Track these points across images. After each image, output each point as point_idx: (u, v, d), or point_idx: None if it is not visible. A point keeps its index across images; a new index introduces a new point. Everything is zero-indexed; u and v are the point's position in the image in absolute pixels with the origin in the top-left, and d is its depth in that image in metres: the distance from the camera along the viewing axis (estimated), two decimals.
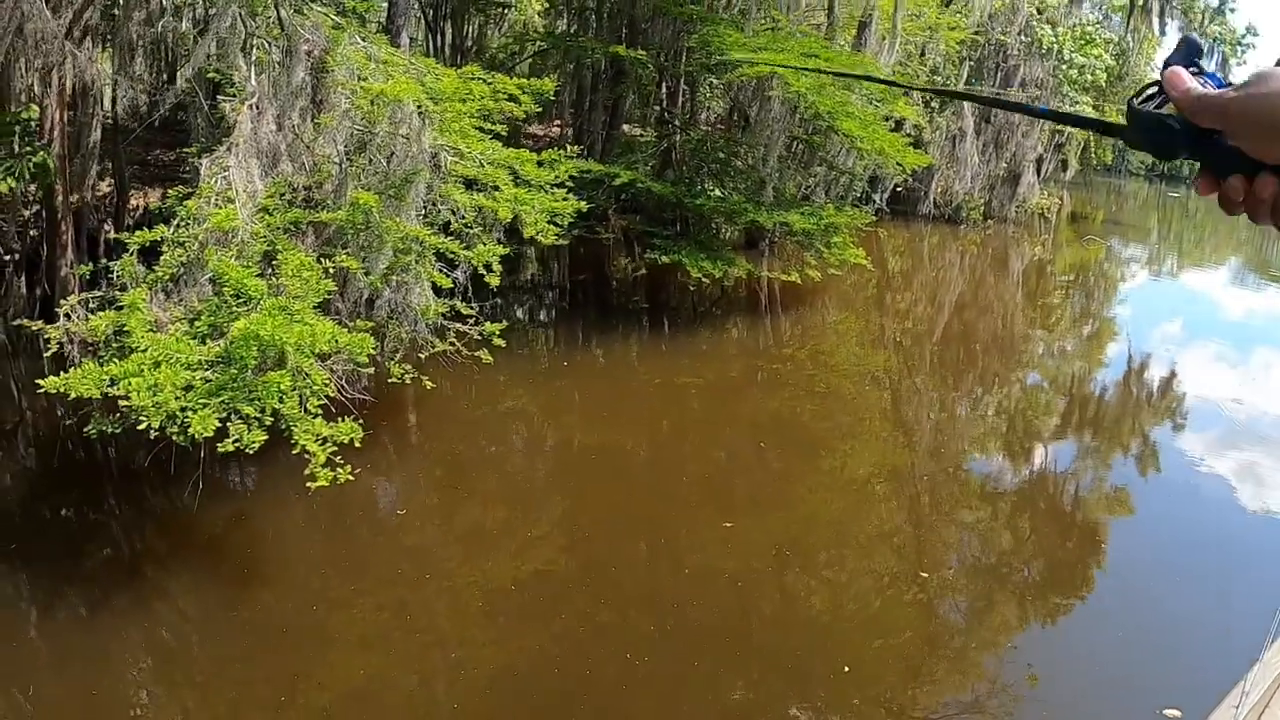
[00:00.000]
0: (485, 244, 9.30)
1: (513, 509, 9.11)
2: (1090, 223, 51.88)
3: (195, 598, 7.35)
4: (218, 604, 7.19)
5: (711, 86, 17.25)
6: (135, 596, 7.08)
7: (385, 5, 15.59)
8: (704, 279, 13.75)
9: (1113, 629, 8.31)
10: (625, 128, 19.75)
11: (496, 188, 9.53)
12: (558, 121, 23.92)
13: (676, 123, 17.20)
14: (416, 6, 24.85)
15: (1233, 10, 37.25)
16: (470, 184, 9.86)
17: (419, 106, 8.99)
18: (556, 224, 9.83)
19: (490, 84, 10.07)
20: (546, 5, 23.31)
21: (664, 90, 17.73)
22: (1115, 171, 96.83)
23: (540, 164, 10.03)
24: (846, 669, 7.20)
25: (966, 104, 30.46)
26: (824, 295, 18.41)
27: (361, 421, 7.49)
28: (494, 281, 9.26)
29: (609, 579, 8.00)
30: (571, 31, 20.46)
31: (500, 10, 26.61)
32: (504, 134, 10.55)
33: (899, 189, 30.12)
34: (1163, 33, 41.39)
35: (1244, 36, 38.00)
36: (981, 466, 12.30)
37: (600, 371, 13.30)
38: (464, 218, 9.34)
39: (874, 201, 21.13)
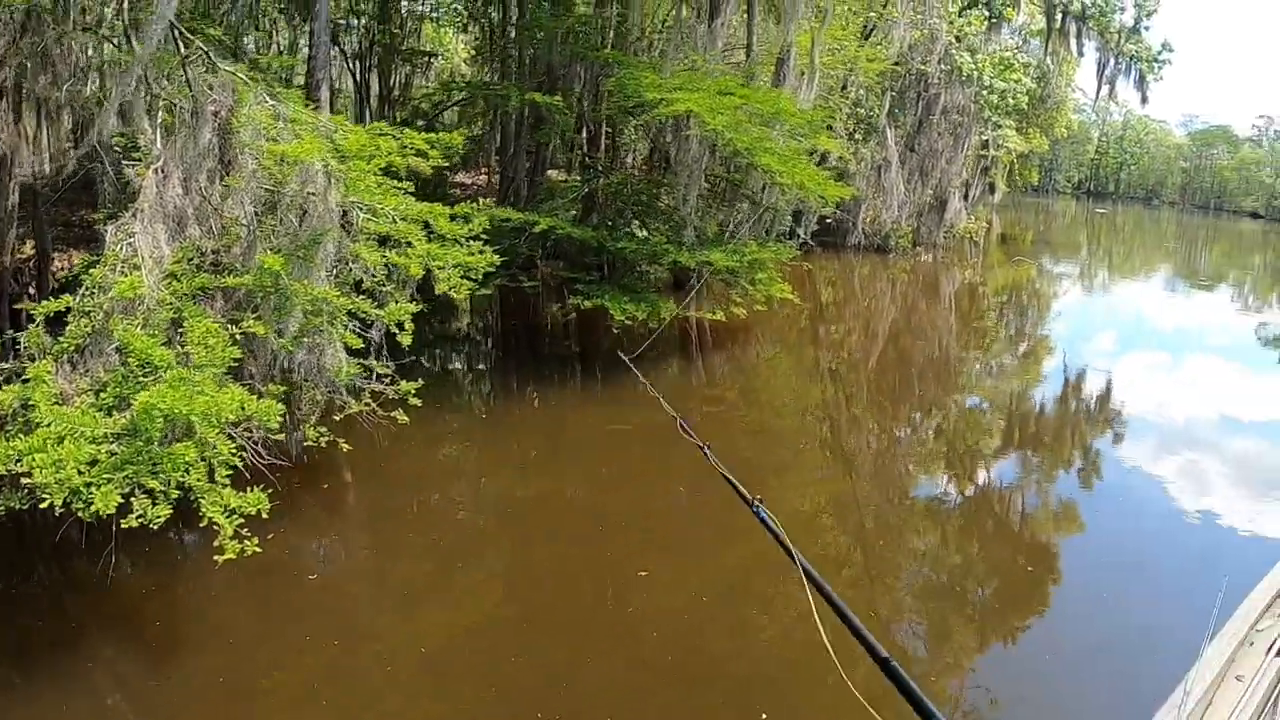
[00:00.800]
0: (398, 301, 9.13)
1: (448, 563, 8.85)
2: (1020, 243, 52.66)
3: (118, 668, 7.07)
4: (141, 673, 6.96)
5: (634, 129, 17.22)
6: (54, 670, 6.79)
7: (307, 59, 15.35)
8: (628, 321, 13.64)
9: (1067, 641, 8.47)
10: (552, 173, 19.70)
11: (409, 244, 9.36)
12: (485, 169, 23.91)
13: (599, 166, 17.17)
14: (341, 59, 24.81)
15: (1147, 29, 37.94)
16: (385, 240, 9.69)
17: (325, 165, 8.83)
18: (471, 278, 9.68)
19: (399, 139, 9.92)
20: (473, 53, 23.32)
21: (585, 135, 17.71)
22: (1043, 191, 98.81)
23: (454, 218, 9.88)
24: (802, 706, 7.14)
25: (889, 133, 30.79)
26: (756, 331, 18.40)
27: (282, 486, 7.31)
28: (405, 340, 9.07)
29: (553, 626, 7.81)
30: (494, 79, 20.45)
31: (426, 59, 26.62)
32: (419, 186, 10.44)
33: (829, 221, 30.32)
34: (1080, 54, 42.08)
35: (1160, 54, 38.74)
36: (927, 491, 12.38)
37: (534, 420, 13.11)
38: (375, 276, 9.15)
39: (798, 236, 21.20)
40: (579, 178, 16.86)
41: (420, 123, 22.47)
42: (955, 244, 36.73)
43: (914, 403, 17.06)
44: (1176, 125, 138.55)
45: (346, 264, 9.23)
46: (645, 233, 15.15)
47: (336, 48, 24.62)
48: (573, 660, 7.33)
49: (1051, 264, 45.88)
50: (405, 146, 9.79)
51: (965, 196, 38.34)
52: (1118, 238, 74.80)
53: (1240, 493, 13.03)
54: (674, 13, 18.02)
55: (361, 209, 9.53)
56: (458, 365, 16.08)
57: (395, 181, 9.97)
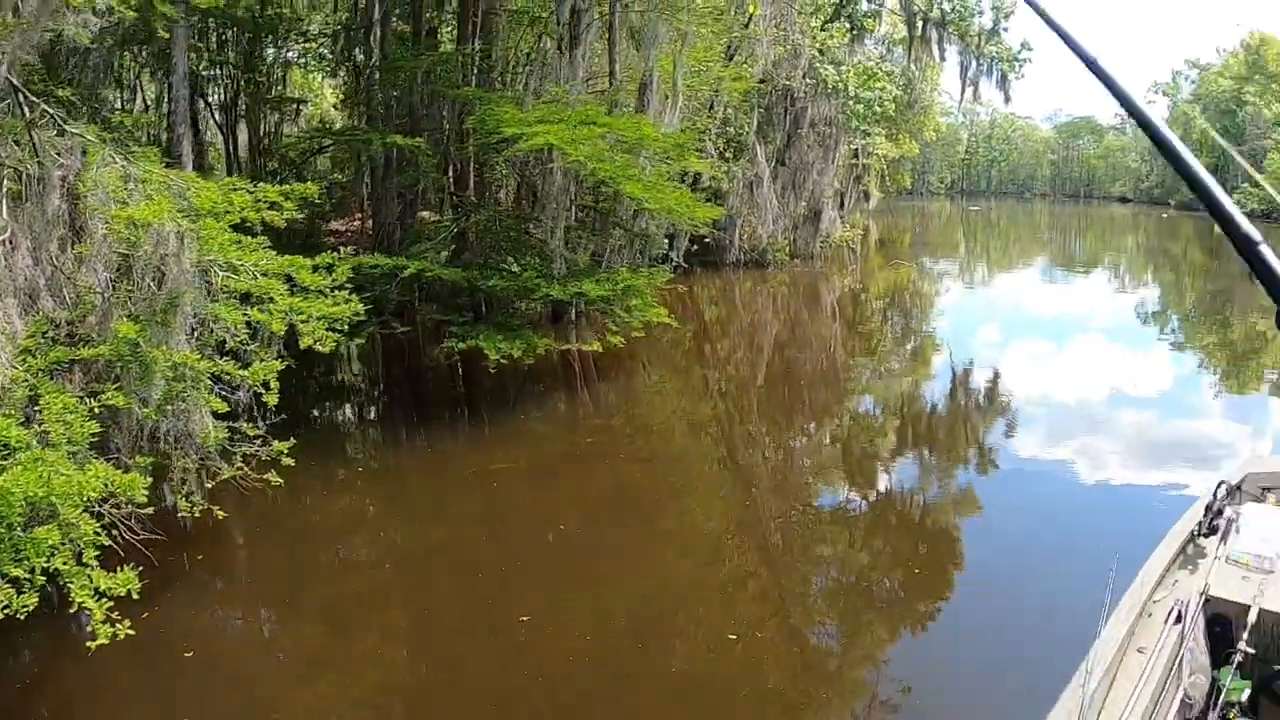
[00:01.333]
0: (263, 360, 8.91)
1: (342, 624, 8.62)
2: (898, 246, 53.80)
3: None
4: None
5: (503, 164, 17.15)
6: None
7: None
8: (503, 361, 13.53)
9: (972, 625, 8.69)
10: (426, 214, 19.50)
11: (270, 299, 9.16)
12: (359, 215, 23.56)
13: (468, 205, 17.05)
14: (206, 110, 24.24)
15: (1006, 30, 39.10)
16: (247, 298, 9.46)
17: (177, 226, 8.60)
18: (337, 329, 9.51)
19: (252, 193, 9.71)
20: (342, 98, 23.01)
21: (451, 174, 17.59)
22: (917, 194, 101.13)
23: (316, 269, 9.70)
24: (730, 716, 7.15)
25: (759, 149, 31.22)
26: (642, 357, 18.42)
27: (160, 560, 7.05)
28: (271, 400, 8.84)
29: (463, 676, 7.62)
30: (360, 123, 20.20)
31: (295, 107, 26.19)
32: (290, 237, 10.21)
33: (707, 240, 30.58)
34: (943, 59, 43.06)
35: (1019, 53, 39.95)
36: (829, 498, 12.54)
37: (424, 467, 12.87)
38: (237, 336, 8.92)
39: (671, 259, 21.35)
40: (450, 218, 16.69)
41: (289, 171, 22.14)
42: (833, 253, 37.35)
43: (807, 413, 17.24)
44: (1042, 120, 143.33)
45: (208, 325, 8.98)
46: (518, 268, 15.04)
47: (201, 99, 24.13)
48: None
49: (931, 264, 46.98)
50: (259, 200, 9.58)
51: (840, 205, 39.03)
52: (993, 232, 76.94)
53: (1128, 468, 13.49)
54: (537, 45, 18.04)
55: (220, 268, 9.29)
56: (345, 416, 15.82)
57: (252, 237, 9.73)
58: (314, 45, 24.02)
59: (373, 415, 16.15)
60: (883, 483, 13.24)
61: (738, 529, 11.41)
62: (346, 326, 9.76)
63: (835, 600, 9.49)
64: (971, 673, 7.82)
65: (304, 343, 9.18)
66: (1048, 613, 8.52)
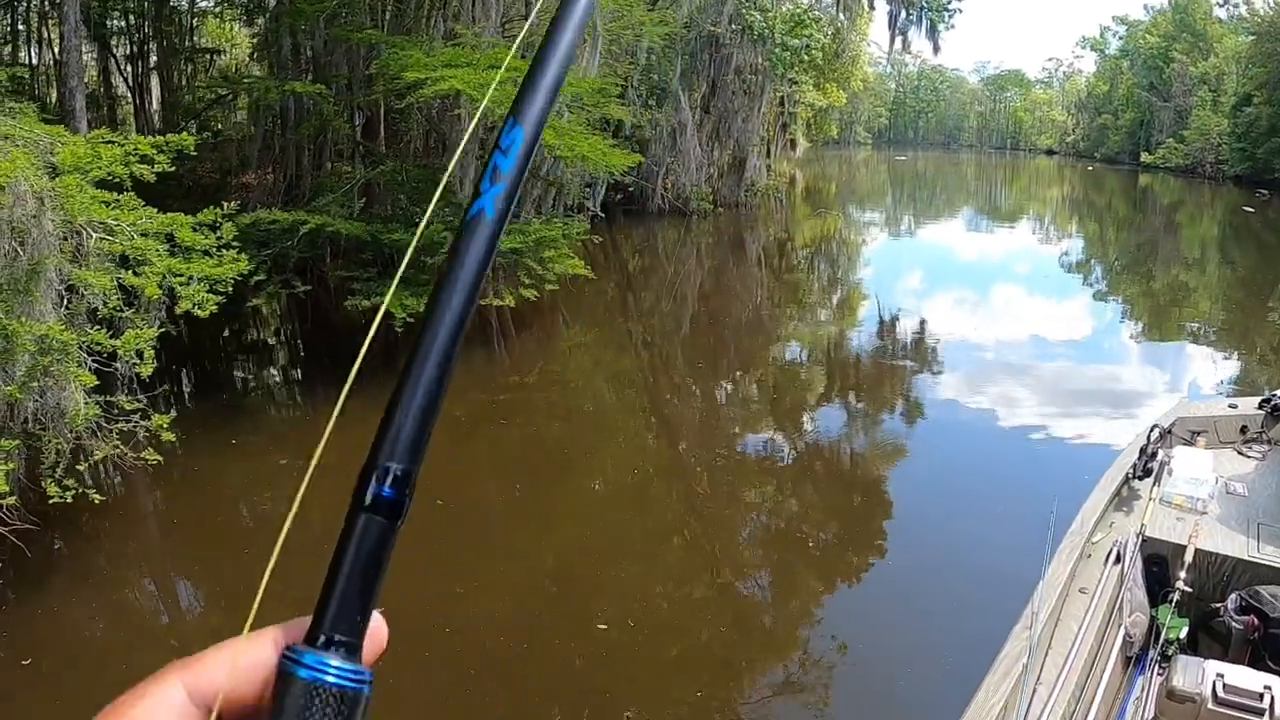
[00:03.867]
0: (139, 328, 8.17)
1: (236, 607, 8.02)
2: (824, 195, 53.71)
3: None
4: None
5: (415, 113, 16.31)
6: None
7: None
8: (410, 319, 12.85)
9: (908, 575, 8.60)
10: (344, 166, 18.58)
11: (146, 261, 8.41)
12: (271, 168, 22.56)
13: (376, 155, 16.23)
14: (115, 65, 23.02)
15: None
16: (126, 261, 8.69)
17: (31, 185, 7.81)
18: (218, 291, 8.79)
19: (123, 145, 8.91)
20: (254, 46, 21.95)
21: (356, 122, 16.74)
22: (844, 143, 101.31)
23: (198, 227, 8.95)
24: (659, 677, 7.00)
25: (683, 97, 30.61)
26: (564, 309, 17.90)
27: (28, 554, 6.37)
28: (145, 371, 8.12)
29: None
30: (269, 72, 19.18)
31: (209, 57, 24.94)
32: (198, 192, 9.43)
33: (630, 189, 30.03)
34: (872, 7, 42.98)
35: (949, 3, 39.98)
36: (756, 447, 12.21)
37: (345, 429, 12.21)
38: (110, 302, 8.15)
39: (588, 208, 20.72)
40: (356, 169, 15.87)
41: (195, 124, 21.10)
42: (759, 201, 36.96)
43: (733, 363, 16.99)
44: (970, 72, 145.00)
45: (78, 292, 8.20)
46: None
47: (106, 51, 22.95)
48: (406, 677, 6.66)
49: (858, 213, 46.93)
50: (129, 154, 8.78)
51: (767, 154, 38.59)
52: (920, 182, 77.34)
53: (1059, 414, 13.53)
54: None
55: (95, 228, 8.52)
56: (257, 379, 15.06)
57: (137, 196, 8.93)
58: None
59: (285, 376, 15.39)
60: (811, 431, 13.07)
61: (663, 483, 11.11)
62: (230, 288, 9.02)
63: (767, 549, 9.35)
64: (906, 620, 7.77)
65: (181, 307, 8.47)
66: (984, 556, 8.60)
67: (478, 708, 6.56)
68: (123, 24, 22.82)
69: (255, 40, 21.88)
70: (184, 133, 20.45)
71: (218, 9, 24.67)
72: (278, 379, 15.24)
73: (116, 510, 9.07)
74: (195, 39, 25.16)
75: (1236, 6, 77.02)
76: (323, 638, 0.61)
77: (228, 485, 10.27)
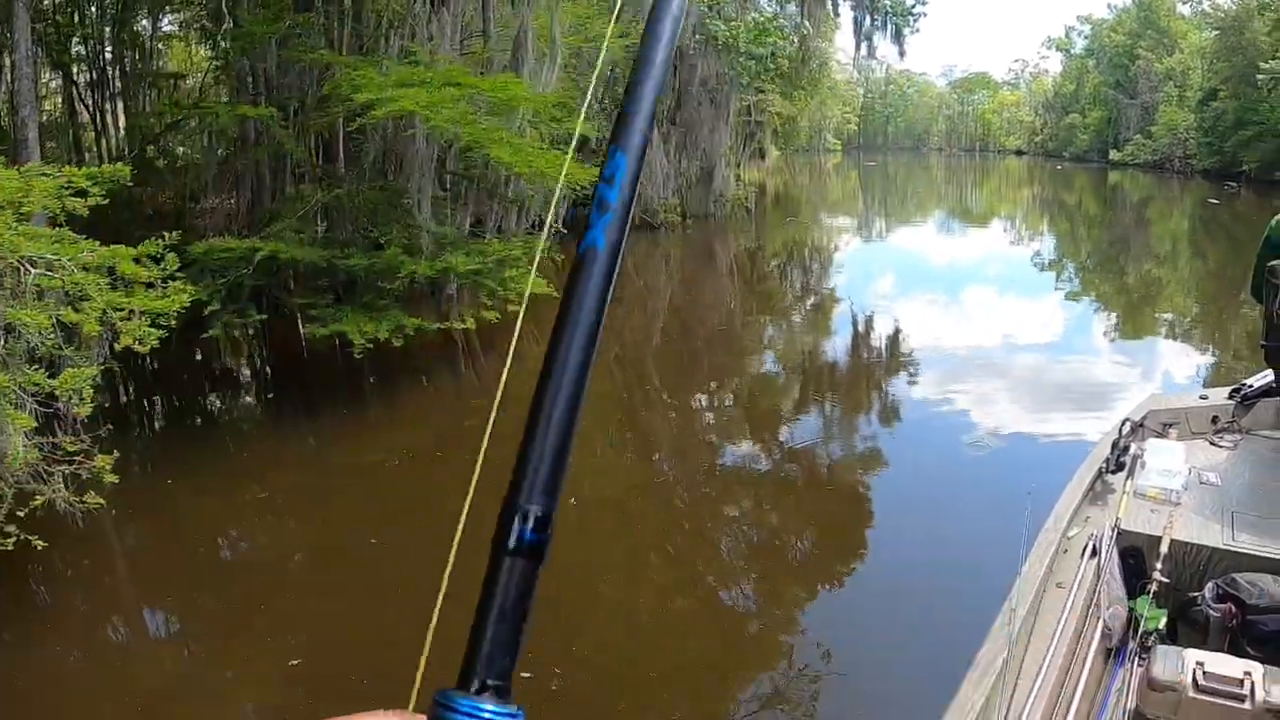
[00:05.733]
0: (78, 367, 7.86)
1: (194, 649, 7.74)
2: (795, 203, 53.74)
3: None
4: None
5: (374, 135, 16.03)
6: None
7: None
8: (369, 345, 12.58)
9: (890, 578, 8.63)
10: (306, 189, 18.28)
11: (85, 297, 8.11)
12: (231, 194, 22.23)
13: (334, 177, 15.93)
14: (75, 92, 22.65)
15: None
16: (65, 296, 8.37)
17: None
18: (161, 325, 8.49)
19: (55, 178, 8.63)
20: (216, 70, 21.63)
21: (311, 143, 16.45)
22: (814, 151, 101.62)
23: (139, 259, 8.65)
24: (642, 696, 6.86)
25: None
26: (534, 329, 17.57)
27: None
28: (84, 411, 7.83)
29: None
30: (230, 95, 18.87)
31: (173, 82, 24.57)
32: (158, 219, 9.09)
33: None
34: (836, 14, 43.08)
35: (913, 6, 40.14)
36: (734, 458, 12.12)
37: (306, 461, 11.95)
38: (48, 341, 7.84)
39: (551, 226, 20.48)
40: (313, 192, 15.57)
41: (151, 148, 20.80)
42: (729, 212, 36.84)
43: (707, 375, 16.82)
44: (937, 76, 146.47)
45: (15, 331, 7.88)
46: (384, 244, 14.04)
47: (68, 78, 22.59)
48: None
49: (829, 219, 46.96)
50: (63, 187, 8.49)
51: (736, 164, 38.52)
52: (891, 186, 77.70)
53: (1032, 412, 13.59)
54: (409, 6, 16.94)
55: (35, 265, 8.20)
56: (217, 410, 14.73)
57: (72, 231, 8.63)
58: (192, 14, 22.39)
59: (253, 406, 15.07)
60: (788, 440, 12.96)
61: (642, 495, 10.99)
62: (174, 321, 8.72)
63: (750, 560, 9.31)
64: (889, 622, 7.75)
65: (122, 342, 8.16)
66: (962, 554, 8.55)
67: None
68: (80, 49, 22.46)
69: (217, 64, 21.58)
70: (147, 158, 20.40)
71: (181, 33, 24.38)
72: (246, 409, 14.90)
73: (75, 550, 8.76)
74: (159, 63, 24.83)
75: (1200, 2, 77.82)
76: (476, 683, 0.64)
77: (201, 519, 9.94)
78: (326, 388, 14.67)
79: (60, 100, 23.68)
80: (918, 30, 40.72)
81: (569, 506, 10.56)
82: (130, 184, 9.27)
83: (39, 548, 7.44)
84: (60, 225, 8.46)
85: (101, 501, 7.92)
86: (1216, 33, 66.41)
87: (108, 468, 7.92)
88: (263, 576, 8.86)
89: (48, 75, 23.47)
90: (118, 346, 8.21)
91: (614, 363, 17.42)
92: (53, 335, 7.81)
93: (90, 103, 23.11)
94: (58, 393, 7.68)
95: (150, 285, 8.72)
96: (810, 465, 11.98)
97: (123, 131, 23.66)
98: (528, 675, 6.80)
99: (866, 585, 8.57)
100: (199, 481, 10.72)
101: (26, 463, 7.53)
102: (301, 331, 14.14)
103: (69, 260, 8.34)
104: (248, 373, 17.05)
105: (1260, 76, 54.08)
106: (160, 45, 24.53)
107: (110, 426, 8.40)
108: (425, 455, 11.97)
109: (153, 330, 8.30)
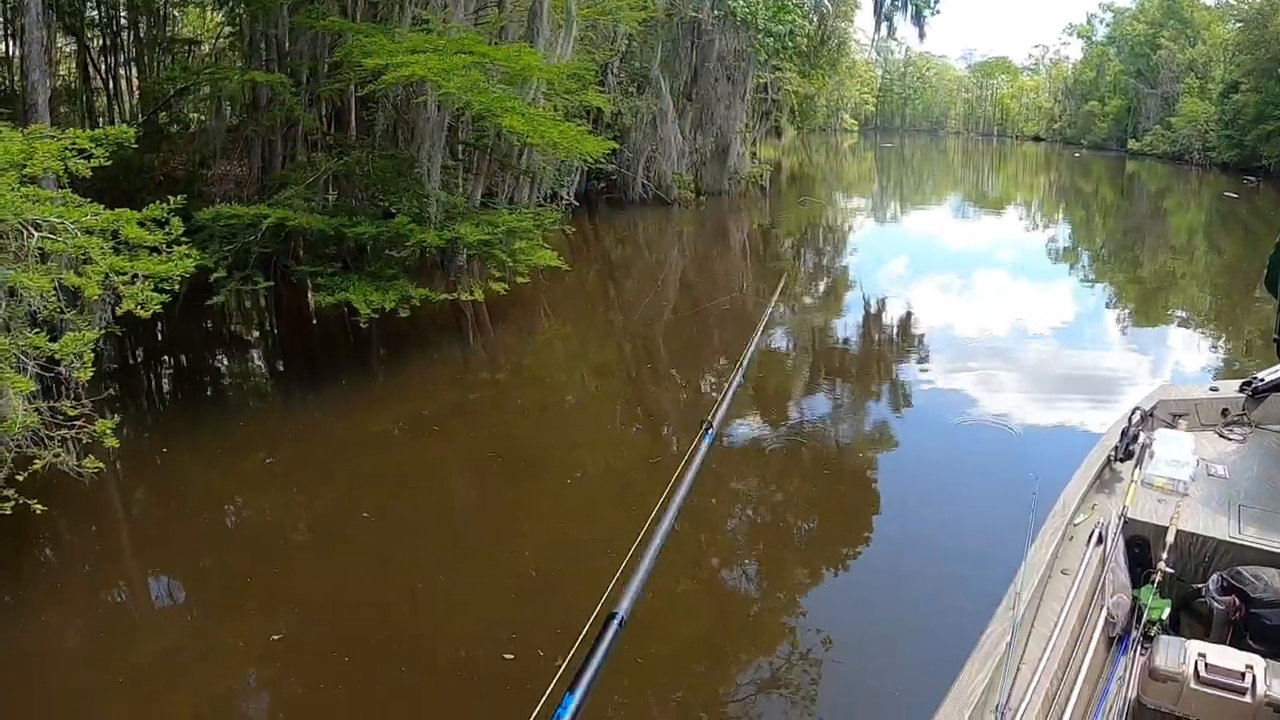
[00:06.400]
0: (80, 330, 7.79)
1: (201, 611, 7.68)
2: (810, 182, 53.44)
3: None
4: None
5: (386, 102, 15.91)
6: None
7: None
8: (374, 314, 12.48)
9: (895, 562, 8.59)
10: (316, 155, 18.20)
11: (88, 260, 8.03)
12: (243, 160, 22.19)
13: (346, 145, 15.82)
14: (89, 57, 22.57)
15: None
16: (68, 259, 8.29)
17: None
18: (164, 290, 8.42)
19: (60, 140, 8.54)
20: (230, 36, 21.54)
21: (322, 111, 16.34)
22: (830, 130, 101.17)
23: (143, 223, 8.56)
24: (641, 675, 6.74)
25: (664, 84, 30.28)
26: (544, 300, 17.59)
27: None
28: (84, 376, 7.75)
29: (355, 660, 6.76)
30: (243, 61, 18.77)
31: (187, 48, 24.48)
32: (169, 185, 9.01)
33: (613, 177, 29.72)
34: None
35: None
36: (741, 435, 11.90)
37: (307, 431, 11.82)
38: (49, 305, 7.76)
39: (561, 197, 20.41)
40: (324, 160, 15.45)
41: (163, 114, 20.75)
42: (743, 190, 36.69)
43: (717, 352, 16.66)
44: (957, 59, 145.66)
45: (17, 295, 7.80)
46: (394, 212, 13.93)
47: (81, 43, 22.53)
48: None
49: (844, 200, 46.70)
50: (66, 149, 8.39)
51: (752, 141, 38.32)
52: (907, 169, 77.28)
53: (1040, 397, 13.58)
54: None
55: (38, 228, 8.12)
56: (224, 378, 14.63)
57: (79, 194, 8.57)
58: None
59: (262, 373, 15.00)
60: (796, 419, 12.92)
61: (646, 471, 10.69)
62: (178, 286, 8.65)
63: (754, 540, 9.29)
64: (893, 608, 7.77)
65: (124, 306, 8.09)
66: (968, 540, 8.55)
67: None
68: (95, 14, 22.38)
69: (230, 31, 21.48)
70: (159, 123, 20.32)
71: None
72: (254, 376, 14.82)
73: (74, 515, 8.72)
74: (174, 29, 24.76)
75: None
76: None
77: (210, 484, 9.92)
78: (335, 356, 14.64)
79: (74, 65, 23.65)
80: (938, 12, 40.50)
81: (573, 480, 10.55)
82: (139, 148, 9.16)
83: (38, 511, 7.39)
84: (63, 187, 8.37)
85: (101, 465, 7.89)
86: (1240, 25, 65.86)
87: (108, 431, 7.88)
88: (258, 546, 8.78)
89: (62, 41, 23.44)
90: (119, 310, 8.14)
91: (624, 338, 17.37)
92: (55, 299, 7.75)
93: (104, 68, 23.05)
94: (59, 356, 7.62)
95: (155, 250, 8.65)
96: (818, 444, 11.93)
97: (136, 97, 23.63)
98: (515, 657, 6.78)
99: (870, 567, 8.55)
100: (204, 448, 10.69)
101: (26, 427, 7.48)
102: (310, 300, 14.05)
103: (72, 223, 8.26)
104: (258, 340, 17.01)
105: None
106: (175, 11, 24.45)
107: (115, 389, 8.32)
108: (428, 427, 11.91)
109: (155, 295, 8.23)
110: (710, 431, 3.82)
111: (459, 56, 12.90)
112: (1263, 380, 7.75)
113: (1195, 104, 71.77)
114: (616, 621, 2.45)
